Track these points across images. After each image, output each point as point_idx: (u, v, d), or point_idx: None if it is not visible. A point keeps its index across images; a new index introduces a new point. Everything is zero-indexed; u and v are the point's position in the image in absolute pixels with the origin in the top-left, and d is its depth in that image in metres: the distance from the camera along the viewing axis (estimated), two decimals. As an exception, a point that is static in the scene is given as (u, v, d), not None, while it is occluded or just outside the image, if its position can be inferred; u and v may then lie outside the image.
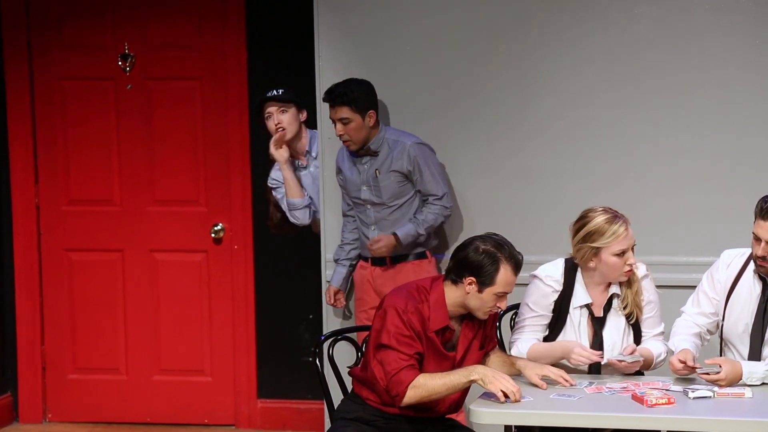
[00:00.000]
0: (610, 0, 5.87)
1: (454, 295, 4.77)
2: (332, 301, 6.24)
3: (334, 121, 5.99)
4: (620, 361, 4.86)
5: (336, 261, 6.23)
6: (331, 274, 6.24)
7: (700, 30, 5.81)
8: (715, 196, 5.86)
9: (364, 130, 5.96)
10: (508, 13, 5.99)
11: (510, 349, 5.05)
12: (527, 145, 6.04)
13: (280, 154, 6.30)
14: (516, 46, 6.00)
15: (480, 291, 4.71)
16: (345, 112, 5.93)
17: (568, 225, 5.01)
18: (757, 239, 4.81)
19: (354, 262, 6.19)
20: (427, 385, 4.67)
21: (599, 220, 4.92)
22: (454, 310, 4.79)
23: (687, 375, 4.76)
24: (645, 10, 5.86)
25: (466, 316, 4.83)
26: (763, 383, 4.70)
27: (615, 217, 4.92)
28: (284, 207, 6.42)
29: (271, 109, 6.34)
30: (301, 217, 6.40)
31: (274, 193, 6.46)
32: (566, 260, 5.05)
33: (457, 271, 4.75)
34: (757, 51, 5.77)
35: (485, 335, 4.92)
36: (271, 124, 6.35)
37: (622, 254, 4.91)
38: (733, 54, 5.79)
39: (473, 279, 4.71)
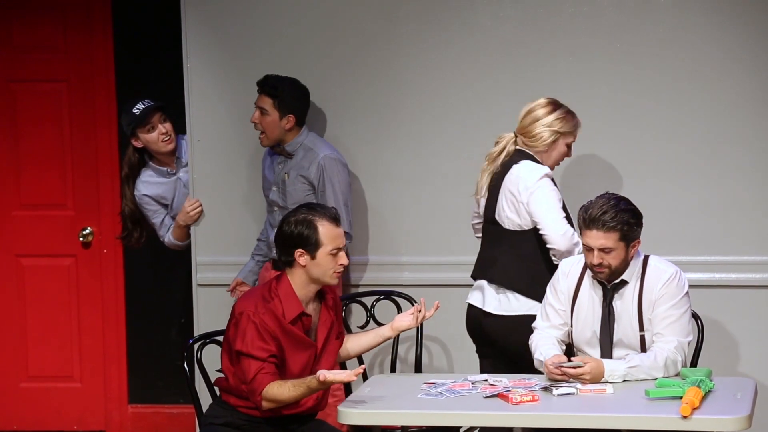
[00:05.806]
0: (478, 4, 5.93)
1: (297, 277, 4.81)
2: (235, 294, 6.18)
3: (257, 107, 5.94)
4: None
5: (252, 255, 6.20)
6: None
7: (565, 26, 5.88)
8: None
9: (277, 129, 5.92)
10: (382, 9, 6.02)
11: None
12: (411, 147, 6.05)
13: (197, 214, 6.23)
14: (392, 44, 6.03)
15: (313, 257, 4.77)
16: (266, 102, 5.89)
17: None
18: (589, 249, 4.86)
19: (265, 259, 6.15)
20: (281, 394, 4.69)
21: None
22: (305, 293, 4.83)
23: (559, 376, 4.78)
24: (510, 13, 5.94)
25: (322, 302, 4.87)
26: (624, 380, 4.79)
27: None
28: (159, 229, 6.35)
29: (153, 119, 6.25)
30: (173, 248, 6.38)
31: (145, 206, 6.35)
32: None
33: (284, 254, 4.80)
34: (620, 42, 5.86)
35: (338, 325, 4.97)
36: (155, 135, 6.27)
37: None
38: (609, 48, 5.87)
39: (301, 250, 4.76)
